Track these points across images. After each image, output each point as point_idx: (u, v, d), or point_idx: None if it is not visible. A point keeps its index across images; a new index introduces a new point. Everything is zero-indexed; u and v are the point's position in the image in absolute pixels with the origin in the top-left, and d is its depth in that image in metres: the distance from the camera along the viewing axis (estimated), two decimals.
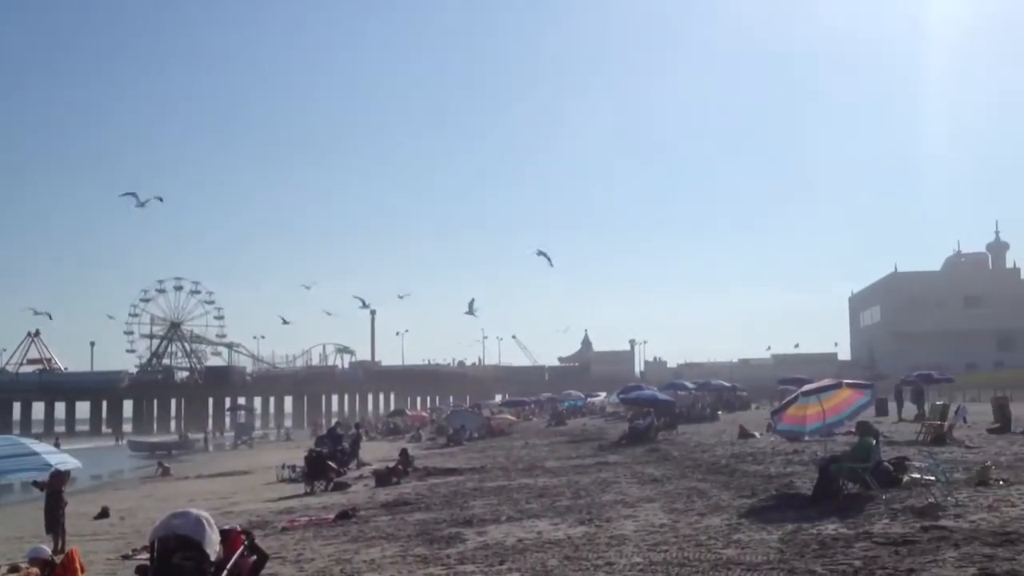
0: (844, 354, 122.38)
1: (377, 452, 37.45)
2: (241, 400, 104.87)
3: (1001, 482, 14.51)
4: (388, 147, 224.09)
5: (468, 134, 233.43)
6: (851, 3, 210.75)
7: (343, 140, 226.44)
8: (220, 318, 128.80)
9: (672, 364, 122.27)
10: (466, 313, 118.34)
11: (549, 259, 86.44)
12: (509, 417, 55.95)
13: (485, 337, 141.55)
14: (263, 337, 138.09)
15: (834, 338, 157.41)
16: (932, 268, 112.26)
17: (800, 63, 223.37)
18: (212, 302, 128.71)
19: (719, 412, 46.90)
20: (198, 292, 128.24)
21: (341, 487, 24.60)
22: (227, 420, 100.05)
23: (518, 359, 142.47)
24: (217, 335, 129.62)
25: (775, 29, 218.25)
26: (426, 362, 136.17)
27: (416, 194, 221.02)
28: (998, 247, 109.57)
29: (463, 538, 13.21)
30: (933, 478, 13.39)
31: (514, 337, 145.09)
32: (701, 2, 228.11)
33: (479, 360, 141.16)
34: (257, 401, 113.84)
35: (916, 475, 14.09)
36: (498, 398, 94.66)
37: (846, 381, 17.57)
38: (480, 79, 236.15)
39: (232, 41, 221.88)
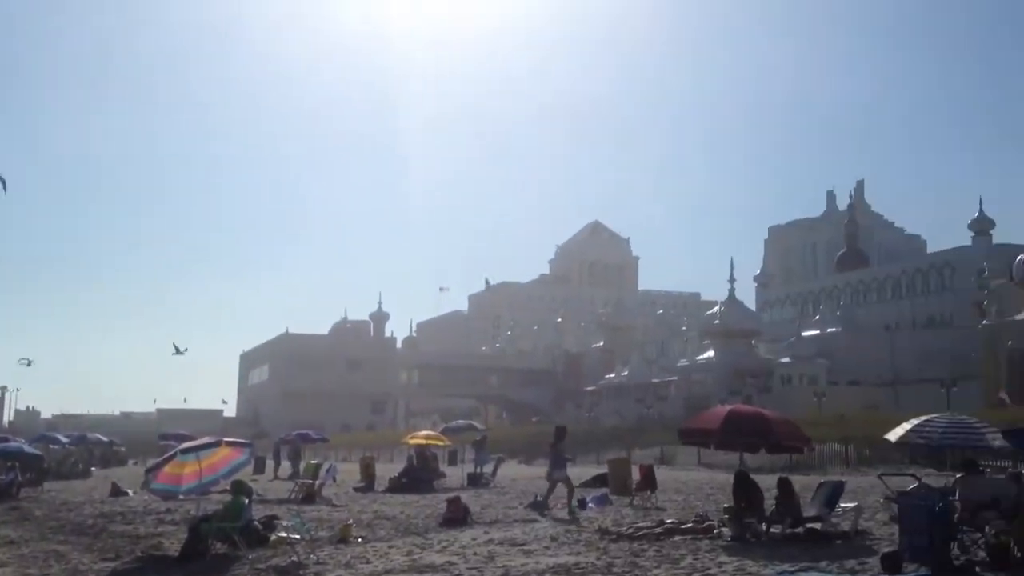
0: (232, 410, 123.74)
1: None
2: None
3: (360, 539, 15.55)
4: None
5: None
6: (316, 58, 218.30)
7: None
8: None
9: (47, 415, 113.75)
10: None
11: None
12: None
13: None
14: None
15: (224, 394, 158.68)
16: (322, 332, 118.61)
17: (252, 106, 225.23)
18: None
19: (93, 468, 44.56)
20: None
21: None
22: None
23: None
24: None
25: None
26: None
27: None
28: (379, 316, 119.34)
29: None
30: (299, 536, 13.88)
31: None
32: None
33: None
34: None
35: (284, 533, 14.53)
36: None
37: (226, 439, 17.60)
38: None
39: None
